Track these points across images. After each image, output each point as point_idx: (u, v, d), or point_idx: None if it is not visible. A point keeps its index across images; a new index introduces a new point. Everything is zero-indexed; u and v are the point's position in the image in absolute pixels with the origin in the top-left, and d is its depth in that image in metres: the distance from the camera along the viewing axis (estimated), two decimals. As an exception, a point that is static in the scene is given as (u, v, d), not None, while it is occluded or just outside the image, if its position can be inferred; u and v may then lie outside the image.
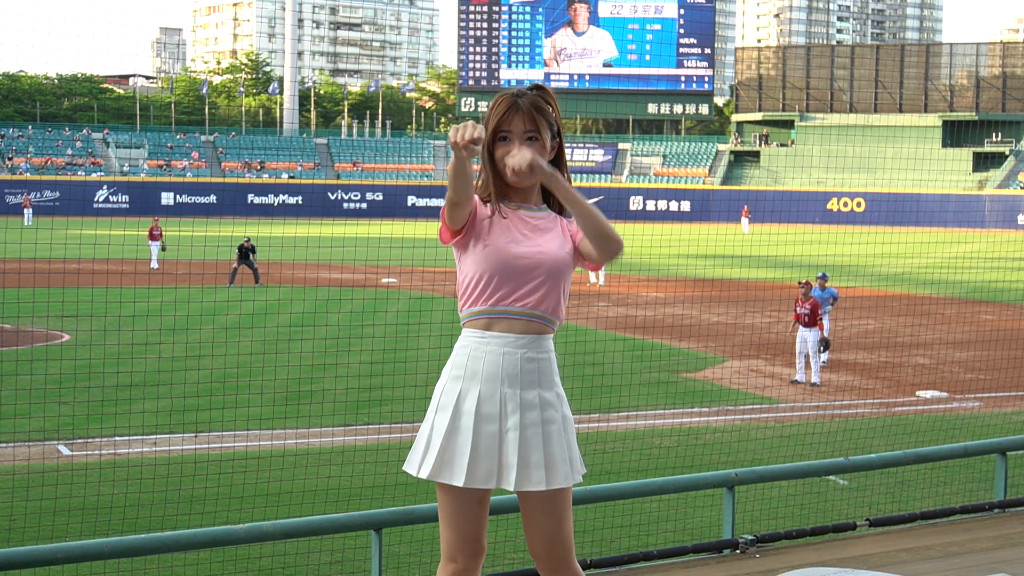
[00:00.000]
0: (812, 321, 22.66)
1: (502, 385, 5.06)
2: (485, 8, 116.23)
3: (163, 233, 44.25)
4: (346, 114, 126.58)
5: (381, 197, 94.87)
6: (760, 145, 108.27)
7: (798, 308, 22.98)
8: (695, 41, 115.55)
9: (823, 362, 22.93)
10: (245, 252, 39.33)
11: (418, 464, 5.13)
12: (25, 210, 75.06)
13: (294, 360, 22.65)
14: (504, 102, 5.09)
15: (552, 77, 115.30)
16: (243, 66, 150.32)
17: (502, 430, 5.04)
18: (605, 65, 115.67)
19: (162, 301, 29.53)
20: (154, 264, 43.89)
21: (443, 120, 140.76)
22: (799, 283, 23.43)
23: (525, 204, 5.17)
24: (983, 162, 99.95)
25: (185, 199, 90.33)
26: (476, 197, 5.12)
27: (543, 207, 5.21)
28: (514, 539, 11.22)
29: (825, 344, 22.77)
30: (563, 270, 5.11)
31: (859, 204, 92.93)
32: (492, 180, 5.14)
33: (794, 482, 12.88)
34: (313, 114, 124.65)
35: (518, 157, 4.82)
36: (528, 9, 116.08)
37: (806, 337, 22.64)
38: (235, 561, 10.55)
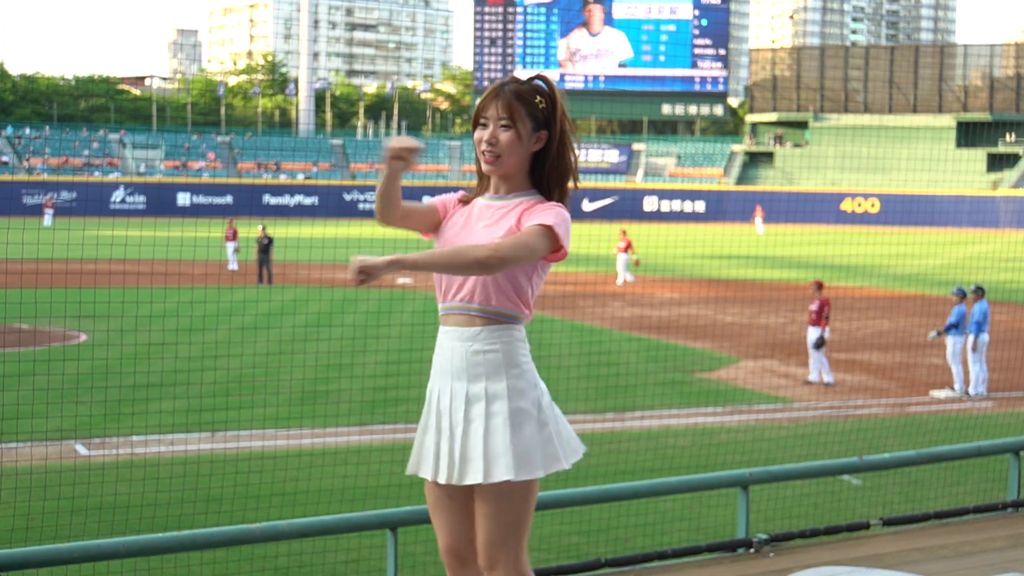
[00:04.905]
0: (818, 319, 22.74)
1: (452, 380, 5.04)
2: (500, 9, 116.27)
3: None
4: (362, 115, 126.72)
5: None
6: (774, 146, 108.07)
7: (811, 307, 23.07)
8: (709, 42, 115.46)
9: (823, 362, 22.89)
10: (265, 246, 39.47)
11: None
12: (46, 211, 75.20)
13: (310, 360, 22.71)
14: (491, 88, 5.11)
15: (567, 78, 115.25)
16: (259, 67, 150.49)
17: (453, 424, 5.02)
18: (620, 66, 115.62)
19: (179, 301, 29.62)
20: (234, 265, 44.07)
21: (458, 121, 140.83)
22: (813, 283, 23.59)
23: (499, 194, 5.12)
24: (997, 163, 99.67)
25: (201, 199, 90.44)
26: (452, 196, 5.28)
27: (517, 194, 5.11)
28: (528, 538, 11.25)
29: (820, 342, 22.72)
30: None
31: (873, 205, 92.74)
32: (477, 168, 5.20)
33: (808, 481, 12.91)
34: (329, 115, 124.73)
35: (351, 266, 4.71)
36: (543, 10, 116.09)
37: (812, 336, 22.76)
38: (251, 560, 10.60)
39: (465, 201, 5.24)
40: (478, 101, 5.13)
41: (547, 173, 5.11)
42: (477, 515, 5.07)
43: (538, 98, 5.10)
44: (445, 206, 5.25)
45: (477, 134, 5.07)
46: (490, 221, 5.03)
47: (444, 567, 5.26)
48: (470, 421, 4.99)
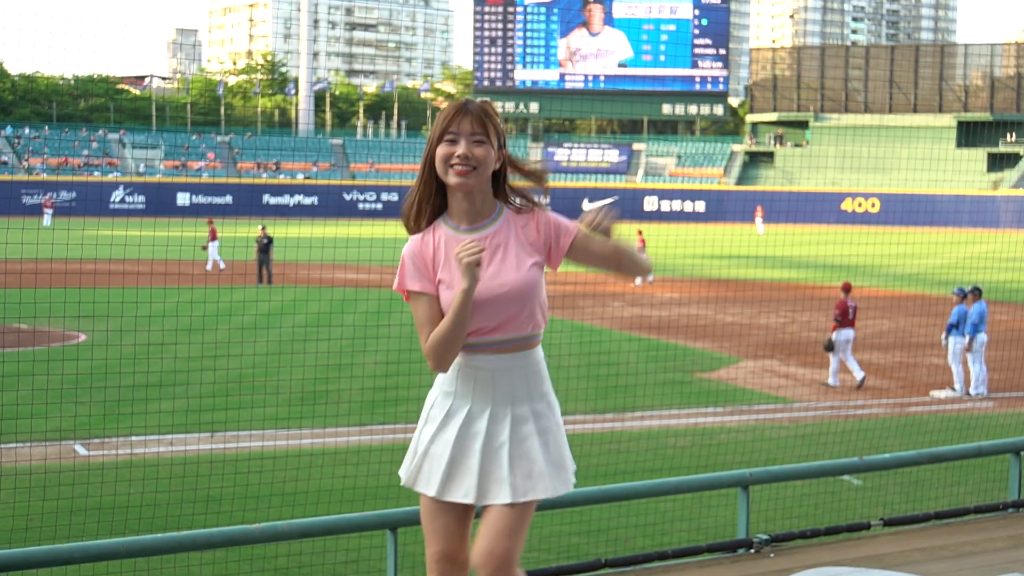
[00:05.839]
0: (844, 323, 22.70)
1: (493, 405, 5.01)
2: (500, 9, 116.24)
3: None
4: (361, 115, 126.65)
5: (396, 197, 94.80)
6: (775, 145, 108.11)
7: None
8: (710, 42, 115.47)
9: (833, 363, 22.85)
10: (264, 246, 39.51)
11: (404, 470, 5.18)
12: (45, 211, 75.20)
13: (310, 360, 22.69)
14: (453, 106, 4.98)
15: (567, 78, 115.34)
16: (259, 67, 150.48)
17: (492, 447, 5.00)
18: (620, 66, 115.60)
19: (178, 301, 29.59)
20: (218, 265, 44.18)
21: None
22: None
23: (470, 225, 5.03)
24: (998, 162, 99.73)
25: (201, 199, 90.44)
26: (418, 250, 5.06)
27: (491, 218, 5.07)
28: (528, 538, 11.23)
29: (827, 345, 22.76)
30: (530, 291, 4.98)
31: (874, 204, 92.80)
32: (432, 194, 5.05)
33: (808, 482, 12.89)
34: (328, 115, 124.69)
35: (466, 251, 4.73)
36: (543, 10, 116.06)
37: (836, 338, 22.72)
38: (251, 560, 10.59)
39: (426, 234, 5.09)
40: (440, 118, 4.99)
41: (507, 186, 5.11)
42: (493, 529, 5.02)
43: (497, 119, 5.03)
44: (432, 279, 5.05)
45: (444, 149, 4.93)
46: (504, 258, 4.99)
47: (430, 573, 5.16)
48: (521, 441, 5.03)
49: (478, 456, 5.01)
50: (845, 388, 22.30)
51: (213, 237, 44.52)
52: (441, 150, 4.94)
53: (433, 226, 5.08)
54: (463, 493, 5.02)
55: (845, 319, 22.79)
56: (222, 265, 44.21)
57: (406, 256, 5.06)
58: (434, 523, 5.14)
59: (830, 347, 22.65)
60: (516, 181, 5.15)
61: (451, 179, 4.94)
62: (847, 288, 23.29)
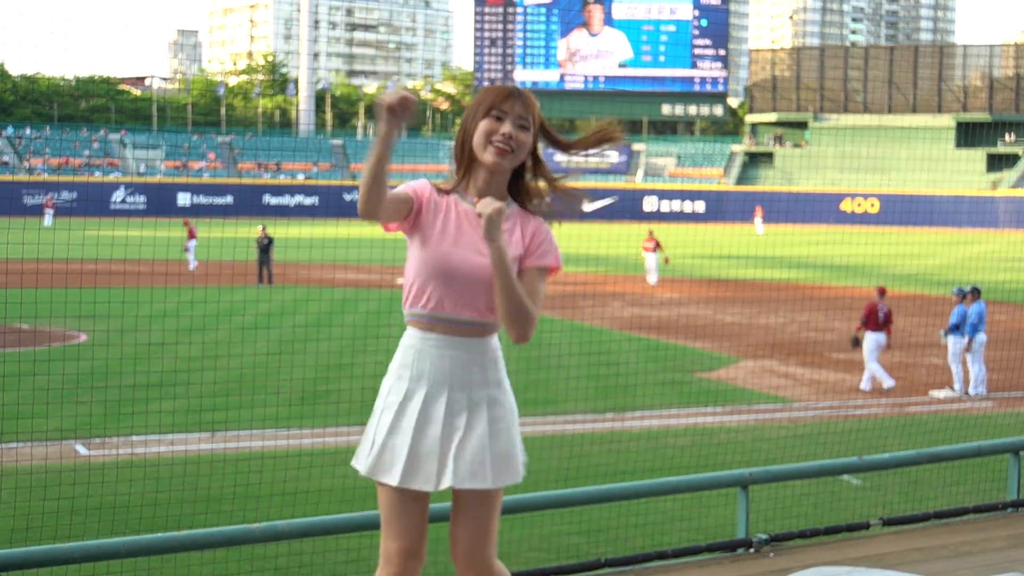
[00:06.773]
0: (871, 326, 22.61)
1: (450, 389, 4.99)
2: (500, 9, 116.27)
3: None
4: (362, 115, 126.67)
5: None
6: (774, 146, 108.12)
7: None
8: (709, 42, 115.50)
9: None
10: (265, 246, 39.54)
11: (362, 461, 5.09)
12: (46, 211, 75.25)
13: (310, 360, 22.70)
14: (503, 88, 4.99)
15: (567, 78, 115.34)
16: (259, 67, 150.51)
17: (448, 431, 4.96)
18: (620, 66, 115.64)
19: (179, 301, 29.61)
20: (192, 265, 44.34)
21: (457, 121, 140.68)
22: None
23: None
24: (997, 163, 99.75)
25: (202, 200, 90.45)
26: (423, 185, 5.11)
27: (507, 203, 5.06)
28: (528, 538, 11.26)
29: (854, 341, 22.78)
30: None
31: (873, 205, 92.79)
32: (465, 166, 5.08)
33: (808, 481, 12.89)
34: (329, 115, 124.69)
35: (488, 204, 4.75)
36: (543, 10, 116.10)
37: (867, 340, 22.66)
38: (251, 560, 10.59)
39: (442, 190, 5.14)
40: (488, 95, 4.99)
41: (525, 184, 5.13)
42: (466, 518, 5.07)
43: (538, 111, 5.04)
44: (419, 196, 5.09)
45: (489, 125, 4.93)
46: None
47: (385, 564, 5.09)
48: (472, 427, 4.98)
49: (437, 442, 4.96)
50: (847, 388, 22.31)
51: (191, 236, 44.57)
52: (484, 125, 4.95)
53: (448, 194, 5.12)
54: (423, 480, 4.96)
55: (872, 321, 22.63)
56: (191, 266, 44.28)
57: (414, 183, 5.13)
58: (396, 516, 5.05)
59: (856, 343, 22.64)
60: (533, 182, 5.16)
61: (487, 156, 4.95)
62: (881, 292, 23.13)
